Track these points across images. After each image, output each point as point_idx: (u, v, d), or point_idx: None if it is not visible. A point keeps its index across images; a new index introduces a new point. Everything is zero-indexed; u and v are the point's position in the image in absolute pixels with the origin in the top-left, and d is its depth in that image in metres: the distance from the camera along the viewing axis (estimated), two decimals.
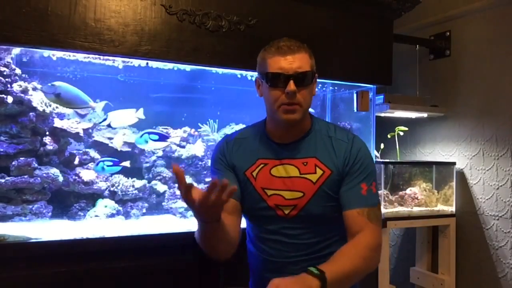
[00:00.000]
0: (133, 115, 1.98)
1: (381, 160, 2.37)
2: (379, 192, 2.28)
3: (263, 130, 1.37)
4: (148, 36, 1.61)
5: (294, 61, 1.23)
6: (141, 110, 1.99)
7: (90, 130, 2.06)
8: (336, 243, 1.31)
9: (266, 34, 1.80)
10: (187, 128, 2.25)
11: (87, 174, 1.93)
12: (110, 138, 2.10)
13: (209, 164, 2.20)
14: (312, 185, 1.28)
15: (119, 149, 2.03)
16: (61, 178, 1.85)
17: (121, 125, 2.03)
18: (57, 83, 1.76)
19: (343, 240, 1.27)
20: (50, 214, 1.80)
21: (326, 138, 1.33)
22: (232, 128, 2.29)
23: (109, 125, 1.99)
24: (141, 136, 1.96)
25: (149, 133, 1.97)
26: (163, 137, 1.95)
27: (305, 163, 1.30)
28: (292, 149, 1.32)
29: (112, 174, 2.00)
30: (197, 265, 1.66)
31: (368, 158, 1.32)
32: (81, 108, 1.87)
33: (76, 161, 1.97)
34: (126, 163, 1.94)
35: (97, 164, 1.88)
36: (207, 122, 2.30)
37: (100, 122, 1.97)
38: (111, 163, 1.88)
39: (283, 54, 1.23)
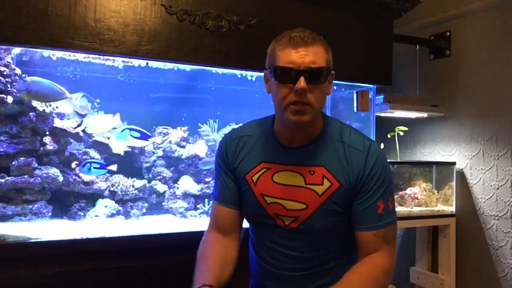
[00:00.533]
0: (110, 121, 1.91)
1: None
2: None
3: (270, 129, 1.25)
4: (148, 36, 1.61)
5: (307, 55, 1.08)
6: (117, 115, 1.95)
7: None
8: (338, 258, 1.24)
9: (266, 34, 1.79)
10: (178, 128, 2.25)
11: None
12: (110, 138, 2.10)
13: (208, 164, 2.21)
14: (317, 198, 1.16)
15: (122, 154, 1.99)
16: (61, 178, 1.85)
17: (98, 131, 1.98)
18: (28, 79, 1.72)
19: (346, 255, 1.23)
20: (50, 214, 1.80)
21: (339, 144, 1.19)
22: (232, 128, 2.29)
23: (83, 131, 1.95)
24: (122, 131, 1.90)
25: (130, 129, 1.91)
26: (144, 136, 1.89)
27: (312, 172, 1.17)
28: (300, 155, 1.19)
29: (112, 174, 2.00)
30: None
31: (385, 170, 1.18)
32: (57, 100, 1.79)
33: (76, 161, 1.97)
34: (113, 167, 1.92)
35: (84, 165, 1.85)
36: (207, 122, 2.30)
37: (75, 128, 1.91)
38: (98, 166, 1.86)
39: (295, 46, 1.09)
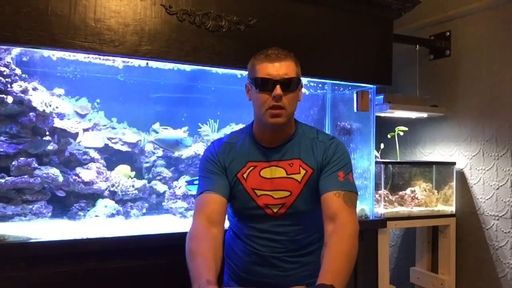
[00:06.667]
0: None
1: (381, 160, 2.37)
2: (379, 192, 2.28)
3: (250, 134, 1.46)
4: (148, 36, 1.61)
5: (281, 68, 1.32)
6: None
7: (90, 130, 2.06)
8: (318, 241, 1.41)
9: (266, 34, 1.80)
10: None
11: (87, 174, 1.93)
12: (110, 139, 2.10)
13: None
14: (298, 184, 1.38)
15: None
16: (61, 178, 1.85)
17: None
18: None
19: (323, 238, 1.30)
20: (50, 214, 1.80)
21: (309, 140, 1.44)
22: (232, 128, 2.29)
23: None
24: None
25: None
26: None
27: (291, 164, 1.40)
28: (279, 152, 1.41)
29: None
30: None
31: (345, 153, 1.42)
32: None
33: (76, 161, 1.97)
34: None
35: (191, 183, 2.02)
36: (207, 122, 2.30)
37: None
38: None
39: (271, 61, 1.33)
